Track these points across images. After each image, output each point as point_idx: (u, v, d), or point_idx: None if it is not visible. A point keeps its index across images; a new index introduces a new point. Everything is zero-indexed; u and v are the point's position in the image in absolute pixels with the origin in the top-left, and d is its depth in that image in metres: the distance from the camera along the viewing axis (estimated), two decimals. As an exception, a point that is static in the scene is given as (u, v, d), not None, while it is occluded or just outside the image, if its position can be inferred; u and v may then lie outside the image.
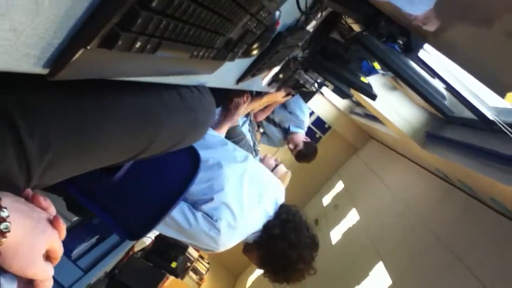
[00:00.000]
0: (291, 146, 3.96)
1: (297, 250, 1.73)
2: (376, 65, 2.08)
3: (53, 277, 0.66)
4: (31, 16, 0.36)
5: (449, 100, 1.62)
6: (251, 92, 2.77)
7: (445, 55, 1.22)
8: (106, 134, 0.77)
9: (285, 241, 1.73)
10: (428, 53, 3.02)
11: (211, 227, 1.59)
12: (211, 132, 1.94)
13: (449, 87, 3.14)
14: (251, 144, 3.06)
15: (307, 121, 4.27)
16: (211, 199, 1.61)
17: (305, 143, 4.01)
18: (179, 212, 1.58)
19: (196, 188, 1.57)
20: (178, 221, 1.58)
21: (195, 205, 1.62)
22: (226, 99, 2.63)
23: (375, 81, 4.03)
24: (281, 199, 1.93)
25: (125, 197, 1.39)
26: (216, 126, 2.50)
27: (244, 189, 1.69)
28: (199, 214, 1.59)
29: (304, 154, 3.96)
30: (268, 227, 1.76)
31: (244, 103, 2.63)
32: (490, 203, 4.14)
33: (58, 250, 0.65)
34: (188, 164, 1.44)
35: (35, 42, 0.39)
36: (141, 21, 0.43)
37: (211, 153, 1.69)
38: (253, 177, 1.78)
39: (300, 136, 4.08)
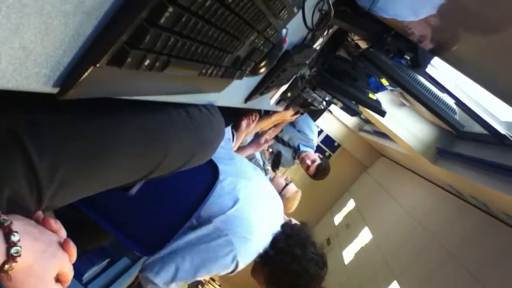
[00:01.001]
0: (308, 162, 3.92)
1: (301, 264, 1.70)
2: (384, 81, 2.08)
3: (65, 301, 0.65)
4: (40, 34, 0.36)
5: (459, 115, 1.61)
6: (259, 111, 2.78)
7: (456, 68, 1.21)
8: (115, 155, 0.77)
9: (289, 255, 1.71)
10: (435, 68, 3.01)
11: (226, 242, 1.58)
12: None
13: (459, 102, 3.12)
14: (261, 163, 3.06)
15: (315, 140, 4.25)
16: (223, 213, 1.60)
17: (321, 158, 4.00)
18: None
19: (208, 204, 1.56)
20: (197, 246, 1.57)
21: (208, 221, 1.61)
22: (235, 118, 2.64)
23: (384, 98, 4.02)
24: (283, 218, 1.93)
25: (140, 212, 1.39)
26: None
27: (253, 204, 1.69)
28: (214, 226, 1.58)
29: (324, 168, 3.93)
30: (274, 241, 1.75)
31: (253, 122, 2.64)
32: (505, 219, 4.06)
33: (69, 274, 0.65)
34: (206, 174, 1.45)
35: (44, 60, 0.39)
36: (150, 38, 0.43)
37: (219, 167, 1.69)
38: (260, 193, 1.77)
39: (313, 153, 4.07)
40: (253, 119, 2.66)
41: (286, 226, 1.84)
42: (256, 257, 1.78)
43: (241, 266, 1.67)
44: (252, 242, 1.65)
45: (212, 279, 10.94)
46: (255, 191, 1.75)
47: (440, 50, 1.21)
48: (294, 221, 2.32)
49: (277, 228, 1.81)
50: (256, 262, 1.81)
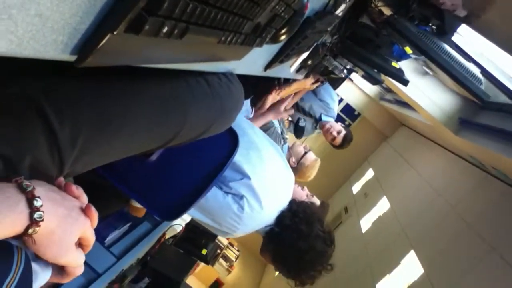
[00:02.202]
0: (334, 133, 3.90)
1: (308, 241, 1.71)
2: (408, 50, 2.02)
3: (88, 264, 0.67)
4: (56, 0, 0.35)
5: (484, 85, 1.56)
6: (278, 80, 2.75)
7: (485, 37, 1.16)
8: (134, 122, 0.77)
9: (295, 232, 1.72)
10: (462, 36, 2.91)
11: (236, 204, 1.61)
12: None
13: (484, 71, 3.04)
14: (279, 132, 3.05)
15: (336, 109, 4.21)
16: (237, 180, 1.62)
17: (344, 128, 3.98)
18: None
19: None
20: (206, 197, 1.59)
21: (220, 183, 1.63)
22: (255, 91, 2.62)
23: (406, 66, 3.93)
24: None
25: (160, 178, 1.41)
26: (253, 119, 2.51)
27: (262, 180, 1.69)
28: (226, 190, 1.61)
29: (350, 138, 3.92)
30: (280, 218, 1.76)
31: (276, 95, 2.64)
32: (528, 191, 4.01)
33: (90, 238, 0.66)
34: (225, 142, 1.45)
35: (61, 27, 0.38)
36: (168, 4, 0.42)
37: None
38: (271, 168, 1.77)
39: (336, 123, 4.04)
40: (278, 93, 2.65)
41: (293, 202, 1.84)
42: (262, 233, 1.79)
43: (239, 232, 1.69)
44: (257, 213, 1.66)
45: (231, 244, 11.17)
46: (265, 166, 1.74)
47: (469, 18, 1.16)
48: (315, 198, 2.32)
49: (284, 204, 1.82)
50: (263, 240, 1.83)
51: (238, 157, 1.61)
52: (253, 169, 1.65)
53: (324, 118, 4.04)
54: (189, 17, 0.48)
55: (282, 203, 1.80)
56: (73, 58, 0.43)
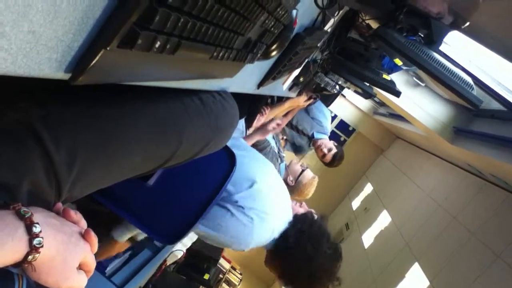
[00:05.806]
0: (325, 150, 3.91)
1: (314, 261, 1.67)
2: (398, 61, 2.04)
3: (89, 295, 0.66)
4: (49, 17, 0.35)
5: (475, 91, 1.57)
6: (272, 98, 2.77)
7: (476, 41, 1.17)
8: (130, 143, 0.77)
9: (300, 253, 1.68)
10: (449, 45, 2.95)
11: (245, 216, 1.57)
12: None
13: (474, 79, 3.07)
14: (276, 151, 3.05)
15: (329, 126, 4.22)
16: (241, 192, 1.60)
17: (336, 146, 3.99)
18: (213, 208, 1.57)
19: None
20: (214, 214, 1.56)
21: (226, 198, 1.61)
22: (248, 110, 2.63)
23: (398, 79, 3.98)
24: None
25: (159, 202, 1.40)
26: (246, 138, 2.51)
27: (268, 188, 1.68)
28: (232, 205, 1.58)
29: (340, 156, 3.92)
30: (284, 236, 1.72)
31: (262, 116, 2.64)
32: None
33: (91, 263, 0.65)
34: (223, 160, 1.45)
35: (55, 45, 0.38)
36: (159, 18, 0.42)
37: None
38: (273, 180, 1.76)
39: (329, 141, 4.05)
40: (265, 113, 2.66)
41: (297, 219, 1.80)
42: (268, 246, 1.76)
43: (252, 245, 1.66)
44: (268, 220, 1.64)
45: (233, 267, 11.03)
46: (268, 178, 1.74)
47: (458, 23, 1.18)
48: (313, 212, 2.30)
49: (289, 216, 1.80)
50: (268, 253, 1.80)
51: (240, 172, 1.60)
52: (254, 174, 1.65)
53: (316, 135, 4.06)
54: (181, 31, 0.49)
55: (287, 214, 1.77)
56: (67, 76, 0.43)
